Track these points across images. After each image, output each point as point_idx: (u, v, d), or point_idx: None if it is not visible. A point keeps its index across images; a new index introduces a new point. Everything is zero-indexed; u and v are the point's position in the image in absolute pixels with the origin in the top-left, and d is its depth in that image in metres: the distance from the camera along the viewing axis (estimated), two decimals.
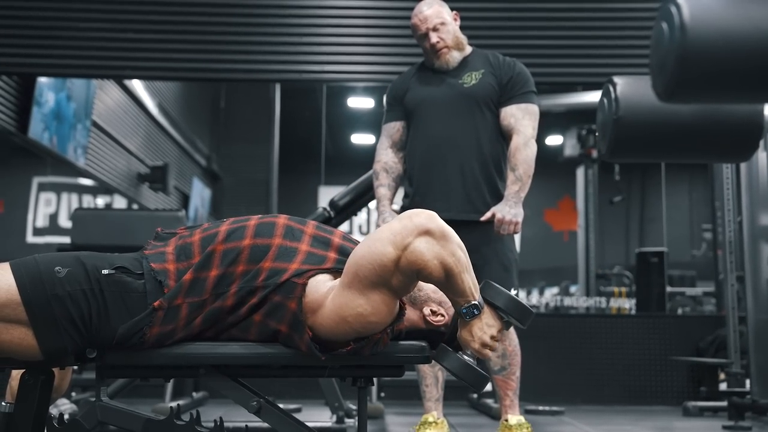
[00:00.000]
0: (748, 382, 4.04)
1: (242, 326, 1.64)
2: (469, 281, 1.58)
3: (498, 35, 4.49)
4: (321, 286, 1.60)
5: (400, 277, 1.54)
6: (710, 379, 4.80)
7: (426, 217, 1.56)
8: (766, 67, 1.52)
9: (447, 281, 1.56)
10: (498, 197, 2.93)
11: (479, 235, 2.89)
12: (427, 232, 1.54)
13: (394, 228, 1.55)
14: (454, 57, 2.99)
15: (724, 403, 3.98)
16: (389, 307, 1.58)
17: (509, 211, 2.82)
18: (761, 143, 3.41)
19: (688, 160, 6.69)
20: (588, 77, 4.79)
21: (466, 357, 1.64)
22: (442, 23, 2.97)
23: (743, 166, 4.08)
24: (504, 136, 2.97)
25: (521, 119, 2.93)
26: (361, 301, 1.55)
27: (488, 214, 2.85)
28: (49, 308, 1.54)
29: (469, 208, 2.91)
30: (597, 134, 2.36)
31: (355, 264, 1.56)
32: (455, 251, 1.55)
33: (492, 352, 2.66)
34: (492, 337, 1.63)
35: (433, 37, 2.96)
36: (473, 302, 1.59)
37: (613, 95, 2.14)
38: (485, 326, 1.62)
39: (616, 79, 2.14)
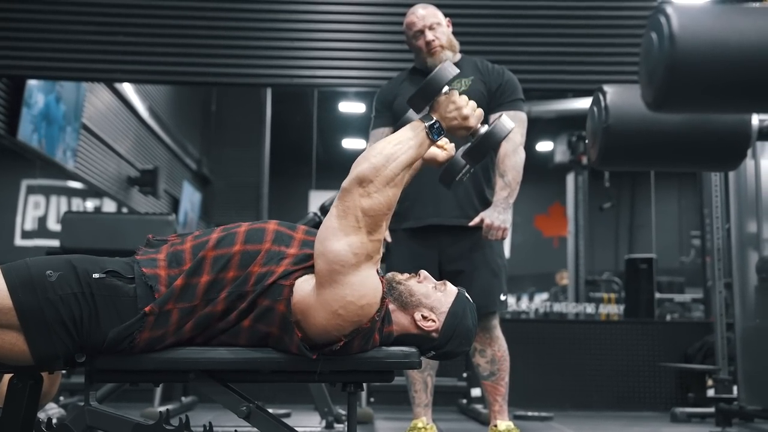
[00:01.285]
0: (735, 388, 4.06)
1: (232, 332, 1.64)
2: (407, 140, 1.66)
3: (490, 42, 4.51)
4: (306, 285, 1.62)
5: (371, 240, 1.60)
6: (698, 385, 4.82)
7: (348, 188, 1.61)
8: (753, 78, 1.53)
9: (408, 169, 1.66)
10: (484, 203, 2.94)
11: (469, 241, 2.90)
12: (361, 189, 1.60)
13: (338, 217, 1.60)
14: (447, 57, 3.01)
15: (712, 410, 4.00)
16: (372, 282, 1.60)
17: (498, 216, 2.83)
18: (749, 152, 3.43)
19: (677, 169, 6.73)
20: (579, 84, 4.82)
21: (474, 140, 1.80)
22: (438, 23, 2.99)
23: (731, 174, 4.10)
24: None
25: None
26: (346, 290, 1.57)
27: (476, 220, 2.86)
28: (40, 312, 1.54)
29: (459, 214, 2.92)
30: (587, 142, 2.37)
31: (329, 263, 1.58)
32: (378, 165, 1.61)
33: (481, 358, 2.70)
34: (461, 107, 1.72)
35: (429, 35, 2.97)
36: (425, 126, 1.69)
37: (602, 104, 2.15)
38: (449, 111, 1.72)
39: (606, 88, 2.16)
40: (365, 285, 1.59)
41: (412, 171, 1.96)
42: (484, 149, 1.84)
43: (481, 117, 1.79)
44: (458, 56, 3.07)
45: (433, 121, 1.70)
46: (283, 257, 1.64)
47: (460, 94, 2.93)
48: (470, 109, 1.75)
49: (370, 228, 1.60)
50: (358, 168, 1.62)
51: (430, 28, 2.98)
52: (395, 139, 1.67)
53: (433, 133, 1.69)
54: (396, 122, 3.07)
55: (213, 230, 1.73)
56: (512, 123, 1.85)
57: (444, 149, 1.92)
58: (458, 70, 1.78)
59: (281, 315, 1.60)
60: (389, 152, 1.63)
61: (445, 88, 1.73)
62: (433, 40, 2.97)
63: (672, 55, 1.52)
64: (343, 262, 1.57)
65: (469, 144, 1.87)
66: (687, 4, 1.66)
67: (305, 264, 1.64)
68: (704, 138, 2.14)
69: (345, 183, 1.62)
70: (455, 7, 4.43)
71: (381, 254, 1.67)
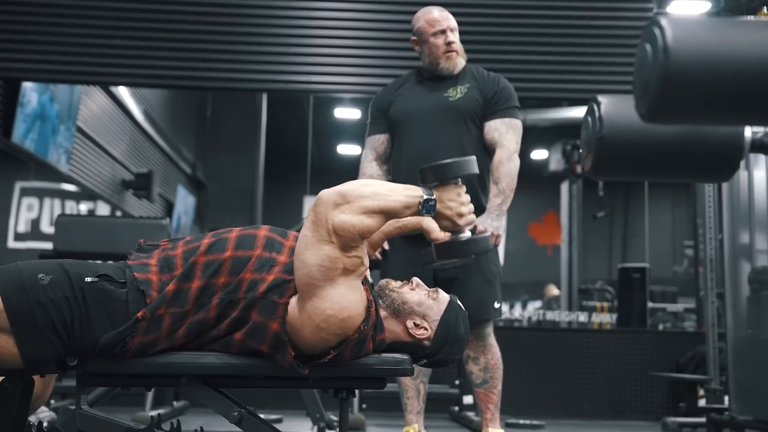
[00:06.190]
0: (726, 398, 4.07)
1: (223, 343, 1.64)
2: (400, 194, 1.61)
3: (486, 50, 4.52)
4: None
5: (347, 256, 1.57)
6: (689, 395, 4.83)
7: (323, 198, 1.58)
8: (747, 91, 1.54)
9: (386, 217, 1.61)
10: (479, 210, 2.94)
11: None
12: (335, 206, 1.57)
13: (311, 228, 1.57)
14: (459, 64, 3.02)
15: (703, 420, 4.01)
16: (353, 295, 1.59)
17: (491, 223, 2.84)
18: (742, 163, 3.44)
19: (671, 180, 6.75)
20: (574, 93, 4.85)
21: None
22: (456, 29, 3.03)
23: (725, 185, 4.11)
24: (487, 150, 2.99)
25: (505, 134, 2.95)
26: (325, 303, 1.56)
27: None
28: (31, 315, 1.54)
29: None
30: (581, 152, 2.37)
31: (305, 276, 1.57)
32: (363, 194, 1.58)
33: (475, 365, 2.68)
34: (463, 204, 1.68)
35: (451, 36, 2.99)
36: (420, 200, 1.63)
37: (597, 114, 2.15)
38: (450, 202, 1.67)
39: (601, 98, 2.16)
40: (345, 298, 1.58)
41: (392, 229, 1.93)
42: (456, 252, 1.78)
43: (471, 223, 1.75)
44: (463, 63, 3.08)
45: (432, 197, 1.64)
46: (274, 264, 1.64)
47: (456, 100, 2.97)
48: (467, 210, 1.72)
49: (342, 246, 1.57)
50: (343, 185, 1.61)
51: (452, 30, 3.00)
52: (392, 185, 1.64)
53: (425, 207, 1.63)
54: (392, 129, 3.08)
55: (204, 235, 1.73)
56: (491, 246, 1.79)
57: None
58: (478, 171, 1.78)
59: (274, 333, 1.59)
60: (378, 190, 1.60)
61: (459, 180, 1.71)
62: (454, 42, 2.99)
63: (666, 67, 1.53)
64: (316, 275, 1.56)
65: (447, 240, 1.81)
66: (682, 16, 1.67)
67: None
68: (697, 149, 2.15)
69: (324, 191, 1.60)
70: (453, 15, 4.45)
71: (365, 267, 1.64)
